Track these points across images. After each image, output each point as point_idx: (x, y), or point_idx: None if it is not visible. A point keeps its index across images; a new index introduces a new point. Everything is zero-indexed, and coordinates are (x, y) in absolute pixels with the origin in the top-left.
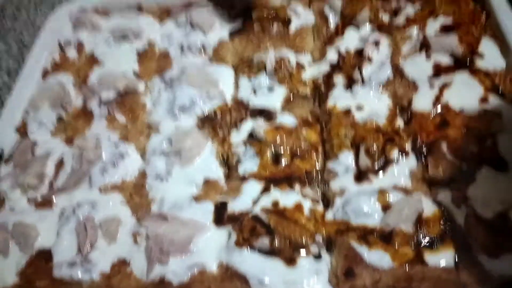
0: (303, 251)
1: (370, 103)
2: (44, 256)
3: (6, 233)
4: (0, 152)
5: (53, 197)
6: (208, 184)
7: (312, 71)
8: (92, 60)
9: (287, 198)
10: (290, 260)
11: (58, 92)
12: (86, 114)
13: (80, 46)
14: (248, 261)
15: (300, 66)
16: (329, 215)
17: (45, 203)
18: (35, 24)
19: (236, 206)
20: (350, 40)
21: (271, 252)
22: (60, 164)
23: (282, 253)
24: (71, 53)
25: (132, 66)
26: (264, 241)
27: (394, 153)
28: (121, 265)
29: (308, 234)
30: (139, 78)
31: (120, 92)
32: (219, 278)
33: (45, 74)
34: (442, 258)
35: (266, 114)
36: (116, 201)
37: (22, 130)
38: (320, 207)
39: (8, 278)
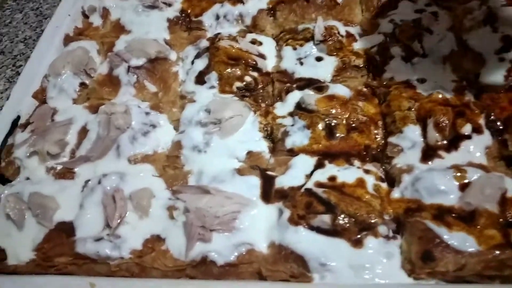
0: (371, 232)
1: (432, 76)
2: (65, 230)
3: (21, 204)
4: (15, 117)
5: (75, 166)
6: (252, 157)
7: (365, 42)
8: (119, 28)
9: (345, 173)
10: (356, 242)
11: (81, 58)
12: (112, 81)
13: (105, 12)
14: (306, 241)
15: (350, 36)
16: (396, 194)
17: (66, 173)
18: None
19: (285, 181)
20: (404, 12)
21: (333, 231)
22: (83, 132)
23: (346, 233)
24: (96, 20)
25: (162, 35)
26: (324, 219)
27: (466, 128)
28: (155, 242)
29: (376, 212)
30: (170, 47)
31: (150, 58)
32: (271, 258)
33: (66, 40)
34: None
35: (315, 84)
36: (148, 173)
37: (40, 96)
38: (384, 185)
39: (23, 254)
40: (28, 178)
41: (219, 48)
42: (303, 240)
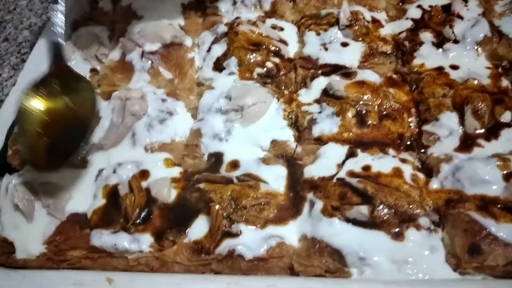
0: (412, 224)
1: (466, 62)
2: (78, 222)
3: (30, 194)
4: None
5: (88, 155)
6: (277, 146)
7: (392, 27)
8: (130, 13)
9: (380, 163)
10: (397, 234)
11: (91, 43)
12: (125, 67)
13: None
14: (342, 234)
15: (376, 22)
16: (435, 184)
17: (78, 162)
18: None
19: (314, 170)
20: None
21: (371, 223)
22: (96, 120)
23: (385, 225)
24: (106, 5)
25: (177, 20)
26: (361, 211)
27: (506, 116)
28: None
29: (417, 203)
30: (185, 32)
31: (165, 43)
32: (304, 253)
33: (75, 25)
34: None
35: (342, 70)
36: (165, 162)
37: None
38: (421, 175)
39: (32, 247)
40: None
41: (239, 33)
42: (339, 232)
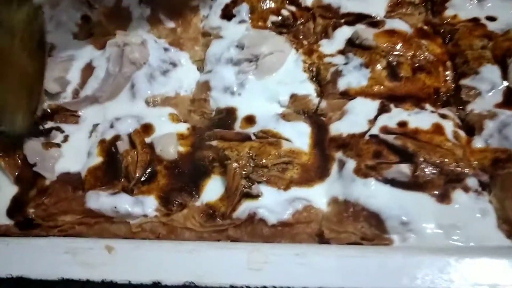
0: (459, 184)
1: (504, 14)
2: (71, 182)
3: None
4: None
5: (80, 108)
6: (297, 101)
7: None
8: None
9: (418, 118)
10: (442, 196)
11: None
12: (121, 14)
13: None
14: (380, 196)
15: None
16: (478, 143)
17: (69, 116)
18: None
19: (342, 127)
20: None
21: (413, 184)
22: (88, 69)
23: (429, 186)
24: None
25: None
26: (402, 170)
27: None
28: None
29: (465, 162)
30: None
31: None
32: (335, 217)
33: None
34: None
35: (368, 19)
36: (169, 117)
37: None
38: (462, 132)
39: None
40: None
41: None
42: (377, 194)
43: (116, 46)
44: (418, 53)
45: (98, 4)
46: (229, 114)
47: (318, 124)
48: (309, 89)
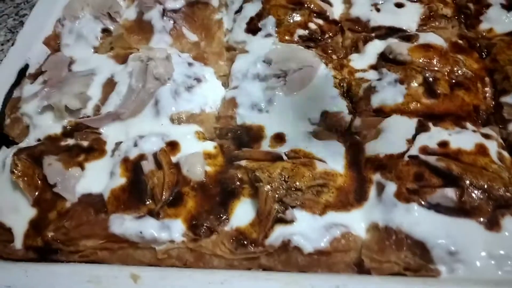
0: (508, 210)
1: None
2: (93, 204)
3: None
4: (22, 65)
5: (102, 125)
6: (328, 118)
7: None
8: None
9: (459, 138)
10: (491, 223)
11: None
12: (142, 28)
13: None
14: (424, 223)
15: None
16: None
17: (90, 134)
18: None
19: (379, 147)
20: None
21: (459, 210)
22: (109, 85)
23: (477, 212)
24: None
25: None
26: (448, 194)
27: None
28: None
29: None
30: None
31: (189, 1)
32: (376, 245)
33: None
34: None
35: (400, 33)
36: (196, 135)
37: (53, 43)
38: (506, 153)
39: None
40: (39, 140)
41: None
42: (421, 221)
43: (139, 60)
44: (455, 68)
45: (119, 17)
46: (257, 132)
47: (353, 143)
48: (340, 106)
